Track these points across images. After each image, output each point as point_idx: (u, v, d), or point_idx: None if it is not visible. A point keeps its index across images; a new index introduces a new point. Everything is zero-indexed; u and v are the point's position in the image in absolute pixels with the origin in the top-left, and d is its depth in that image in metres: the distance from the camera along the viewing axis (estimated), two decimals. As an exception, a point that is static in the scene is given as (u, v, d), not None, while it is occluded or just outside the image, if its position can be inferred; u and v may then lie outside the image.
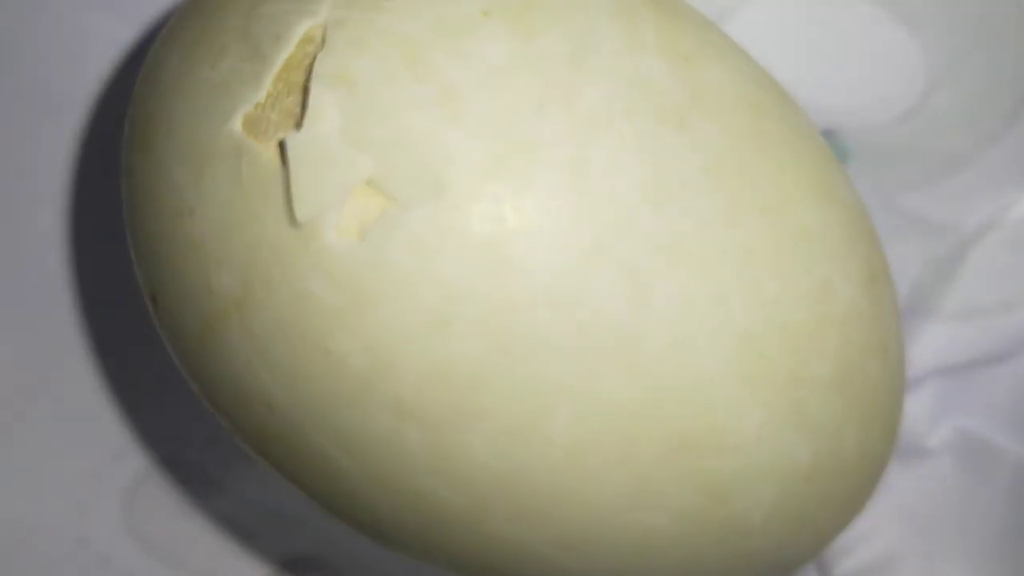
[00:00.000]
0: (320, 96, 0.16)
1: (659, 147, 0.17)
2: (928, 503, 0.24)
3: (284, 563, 0.26)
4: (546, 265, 0.16)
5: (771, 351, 0.17)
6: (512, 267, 0.16)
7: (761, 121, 0.18)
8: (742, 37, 0.19)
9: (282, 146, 0.16)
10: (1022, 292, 0.24)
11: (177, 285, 0.17)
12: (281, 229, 0.16)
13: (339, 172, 0.16)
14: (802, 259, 0.18)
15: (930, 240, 0.24)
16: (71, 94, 0.24)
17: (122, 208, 0.19)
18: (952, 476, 0.24)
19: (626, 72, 0.17)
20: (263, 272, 0.16)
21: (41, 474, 0.26)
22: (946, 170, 0.24)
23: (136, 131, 0.18)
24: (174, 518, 0.26)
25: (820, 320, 0.18)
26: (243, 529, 0.26)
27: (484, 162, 0.16)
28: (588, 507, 0.17)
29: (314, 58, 0.16)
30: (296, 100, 0.16)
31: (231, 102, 0.16)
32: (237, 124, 0.16)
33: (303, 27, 0.16)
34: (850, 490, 0.19)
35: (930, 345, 0.24)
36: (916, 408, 0.24)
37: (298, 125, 0.16)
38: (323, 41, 0.16)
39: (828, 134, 0.23)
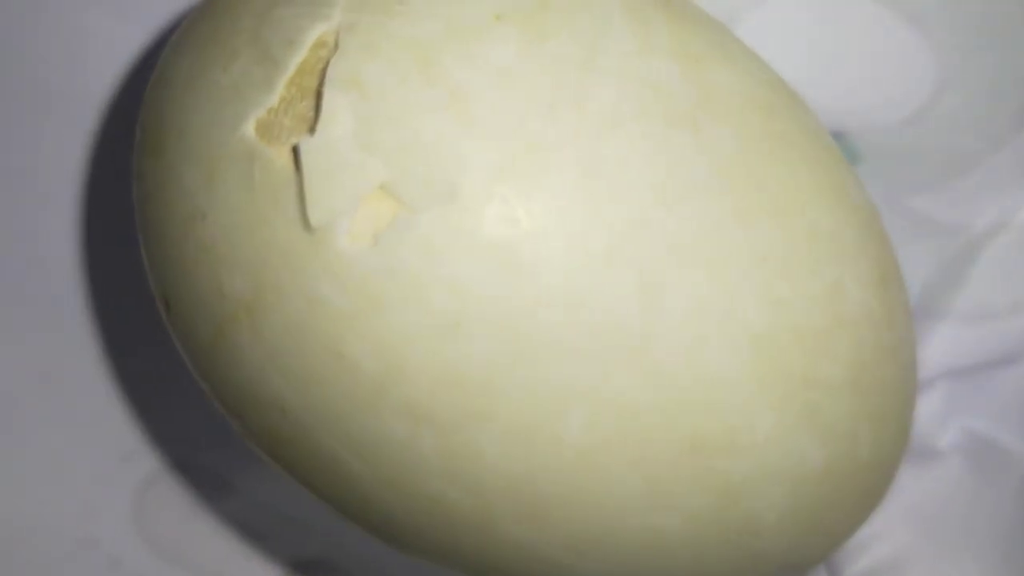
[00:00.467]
0: (333, 101, 0.16)
1: (670, 149, 0.17)
2: (938, 504, 0.24)
3: (294, 565, 0.26)
4: (558, 267, 0.16)
5: (783, 353, 0.17)
6: (524, 269, 0.16)
7: (772, 122, 0.18)
8: (751, 39, 0.19)
9: (295, 151, 0.16)
10: (1032, 293, 0.24)
11: (189, 289, 0.17)
12: (293, 233, 0.16)
13: (352, 177, 0.16)
14: (814, 261, 0.17)
15: (940, 241, 0.24)
16: (83, 97, 0.24)
17: (134, 212, 0.19)
18: (962, 477, 0.24)
19: (637, 74, 0.17)
20: (275, 276, 0.16)
21: (51, 475, 0.26)
22: (956, 171, 0.24)
23: (147, 135, 0.18)
24: (184, 520, 0.26)
25: (832, 322, 0.18)
26: (253, 531, 0.26)
27: (496, 165, 0.16)
28: (600, 509, 0.17)
29: (327, 63, 0.16)
30: (309, 105, 0.16)
31: (243, 107, 0.17)
32: (249, 129, 0.16)
33: (316, 32, 0.16)
34: (862, 492, 0.19)
35: (940, 347, 0.24)
36: (926, 410, 0.24)
37: (311, 130, 0.16)
38: (336, 45, 0.16)
39: (837, 136, 0.23)
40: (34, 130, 0.24)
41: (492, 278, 0.16)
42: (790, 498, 0.18)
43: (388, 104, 0.16)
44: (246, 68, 0.17)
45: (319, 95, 0.16)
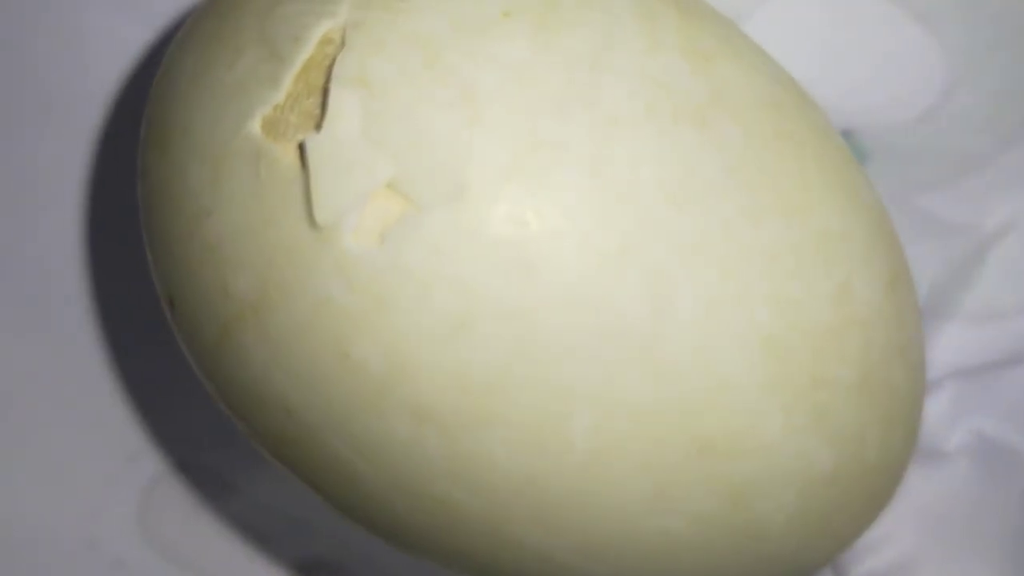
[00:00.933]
0: (340, 97, 0.16)
1: (681, 147, 0.17)
2: (945, 506, 0.24)
3: (299, 566, 0.26)
4: (566, 267, 0.16)
5: (792, 354, 0.17)
6: (532, 269, 0.16)
7: (782, 121, 0.18)
8: (760, 36, 0.19)
9: (302, 148, 0.16)
10: (1041, 294, 0.24)
11: (194, 288, 0.17)
12: (299, 232, 0.16)
13: (359, 174, 0.16)
14: (824, 261, 0.17)
15: (948, 241, 0.24)
16: (87, 96, 0.24)
17: (138, 210, 0.19)
18: (970, 479, 0.24)
19: (647, 72, 0.17)
20: (280, 275, 0.16)
21: (55, 476, 0.26)
22: (965, 170, 0.24)
23: (153, 132, 0.18)
24: (188, 521, 0.26)
25: (842, 322, 0.17)
26: (258, 532, 0.26)
27: (504, 163, 0.16)
28: (608, 512, 0.17)
29: (333, 59, 0.16)
30: (315, 102, 0.16)
31: (249, 103, 0.16)
32: (255, 126, 0.16)
33: (322, 28, 0.16)
34: (871, 494, 0.19)
35: (948, 347, 0.24)
36: (934, 411, 0.24)
37: (318, 127, 0.16)
38: (342, 42, 0.16)
39: (846, 134, 0.23)
40: (37, 129, 0.24)
41: (500, 278, 0.16)
42: (798, 500, 0.18)
43: (395, 101, 0.16)
44: (252, 65, 0.17)
45: (326, 92, 0.16)
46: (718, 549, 0.18)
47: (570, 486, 0.17)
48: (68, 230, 0.25)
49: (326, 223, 0.16)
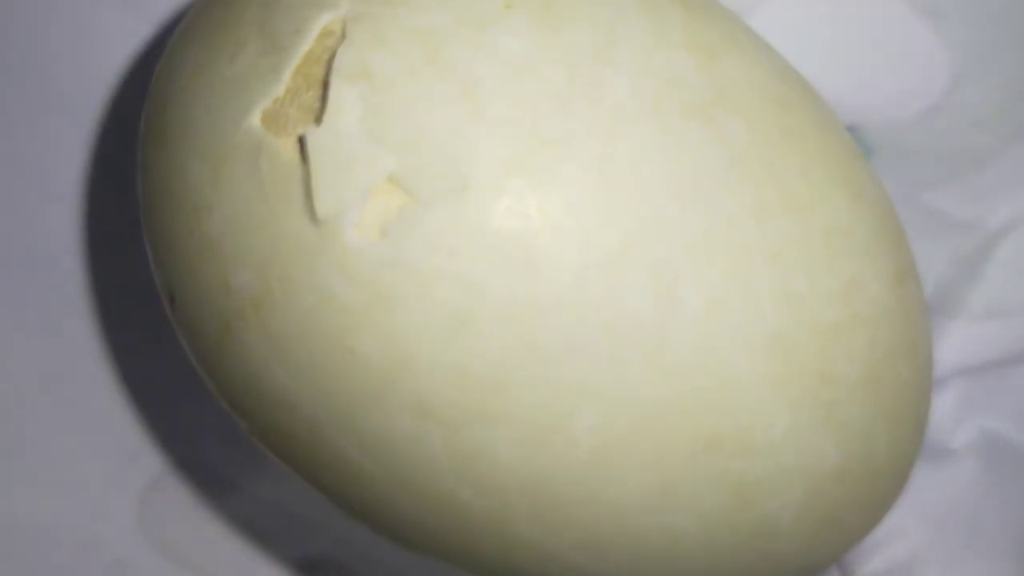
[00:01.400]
0: (340, 91, 0.16)
1: (686, 142, 0.16)
2: (951, 504, 0.24)
3: (300, 565, 0.26)
4: (570, 263, 0.16)
5: (799, 350, 0.17)
6: (535, 265, 0.16)
7: (787, 116, 0.18)
8: (766, 32, 0.19)
9: (302, 142, 0.16)
10: (1048, 291, 0.24)
11: (194, 284, 0.17)
12: (300, 227, 0.16)
13: (360, 169, 0.16)
14: (831, 257, 0.17)
15: (954, 238, 0.24)
16: (88, 91, 0.24)
17: (139, 206, 0.19)
18: (976, 477, 0.24)
19: (652, 67, 0.17)
20: (282, 271, 0.16)
21: (56, 475, 0.26)
22: (970, 167, 0.24)
23: (153, 127, 0.18)
24: (189, 520, 0.26)
25: (849, 319, 0.17)
26: (259, 531, 0.26)
27: (507, 158, 0.16)
28: (613, 509, 0.17)
29: (334, 52, 0.16)
30: (316, 95, 0.16)
31: (249, 97, 0.16)
32: (256, 119, 0.16)
33: (322, 21, 0.16)
34: (878, 492, 0.19)
35: (954, 345, 0.24)
36: (940, 409, 0.24)
37: (318, 120, 0.16)
38: (343, 35, 0.16)
39: (851, 130, 0.23)
40: (39, 124, 0.24)
41: (503, 274, 0.16)
42: (805, 498, 0.18)
43: (396, 95, 0.16)
44: (252, 58, 0.17)
45: (326, 85, 0.16)
46: (724, 547, 0.18)
47: (574, 483, 0.17)
48: (68, 226, 0.25)
49: (327, 218, 0.16)
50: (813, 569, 0.20)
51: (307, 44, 0.16)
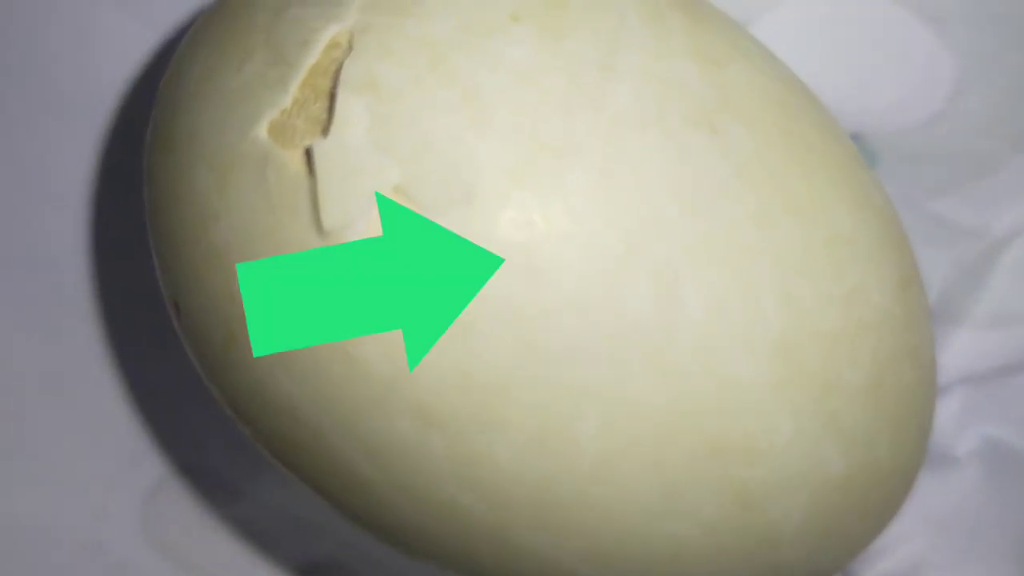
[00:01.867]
0: (347, 102, 0.16)
1: (689, 150, 0.16)
2: (955, 511, 0.24)
3: (303, 569, 0.26)
4: (574, 270, 0.16)
5: (803, 357, 0.17)
6: (539, 272, 0.16)
7: (791, 123, 0.18)
8: (768, 39, 0.19)
9: (309, 153, 0.16)
10: (1052, 298, 0.24)
11: (200, 292, 0.17)
12: (307, 236, 0.16)
13: (367, 179, 0.16)
14: (834, 263, 0.17)
15: (958, 245, 0.24)
16: (94, 97, 0.24)
17: (144, 213, 0.19)
18: (979, 484, 0.24)
19: (654, 74, 0.17)
20: (287, 279, 0.16)
21: (59, 479, 0.26)
22: (975, 174, 0.23)
23: (159, 135, 0.18)
24: (192, 524, 0.26)
25: (852, 326, 0.17)
26: (261, 535, 0.26)
27: (512, 167, 0.16)
28: (616, 516, 0.17)
29: (341, 64, 0.16)
30: (323, 106, 0.16)
31: (256, 108, 0.16)
32: (263, 130, 0.16)
33: (329, 32, 0.16)
34: (882, 499, 0.19)
35: (958, 352, 0.24)
36: (944, 416, 0.24)
37: (325, 132, 0.16)
38: (350, 46, 0.16)
39: (855, 137, 0.23)
40: (44, 129, 0.24)
41: (506, 280, 0.16)
42: (810, 504, 0.18)
43: (402, 105, 0.16)
44: (259, 69, 0.17)
45: (333, 97, 0.16)
46: (728, 554, 0.18)
47: (577, 490, 0.17)
48: (74, 233, 0.25)
49: (333, 228, 0.16)
50: (817, 576, 0.20)
51: (314, 57, 0.16)
